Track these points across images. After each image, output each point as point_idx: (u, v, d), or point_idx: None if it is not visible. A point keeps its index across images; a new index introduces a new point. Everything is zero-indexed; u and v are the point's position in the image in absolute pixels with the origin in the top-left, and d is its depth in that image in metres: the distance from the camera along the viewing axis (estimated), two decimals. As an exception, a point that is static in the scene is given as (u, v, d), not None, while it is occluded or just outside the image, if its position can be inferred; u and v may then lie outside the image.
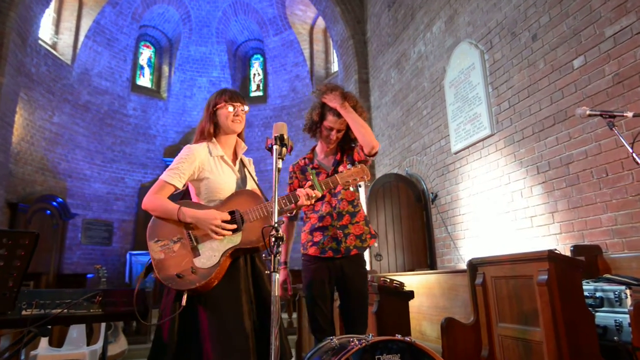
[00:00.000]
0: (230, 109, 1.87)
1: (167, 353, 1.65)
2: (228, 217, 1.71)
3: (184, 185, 1.87)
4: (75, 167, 9.03)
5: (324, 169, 2.34)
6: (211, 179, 1.82)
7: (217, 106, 1.88)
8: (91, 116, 9.50)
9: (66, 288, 1.89)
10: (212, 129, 1.88)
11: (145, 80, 11.22)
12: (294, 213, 2.07)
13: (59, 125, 8.69)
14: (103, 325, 3.99)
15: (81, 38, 9.29)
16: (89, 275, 8.14)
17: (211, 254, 1.69)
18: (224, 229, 1.69)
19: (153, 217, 1.76)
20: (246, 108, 1.93)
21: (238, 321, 1.67)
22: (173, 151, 10.32)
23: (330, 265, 2.23)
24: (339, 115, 2.25)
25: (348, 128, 2.30)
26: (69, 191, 8.83)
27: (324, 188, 1.87)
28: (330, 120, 2.29)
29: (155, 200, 1.74)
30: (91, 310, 1.88)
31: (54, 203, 8.10)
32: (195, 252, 1.69)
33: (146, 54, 11.40)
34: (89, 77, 9.49)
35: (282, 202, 1.78)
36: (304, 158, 2.44)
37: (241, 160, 1.99)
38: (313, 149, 2.46)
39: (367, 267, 2.54)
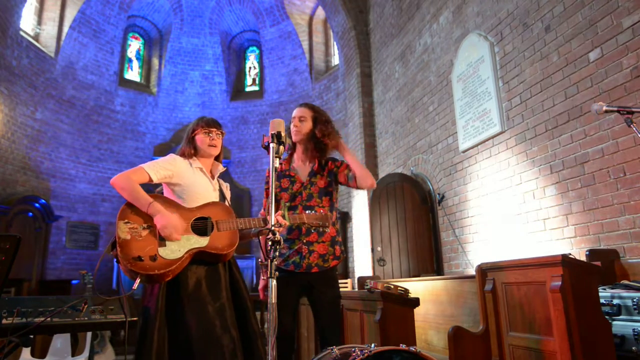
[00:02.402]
0: (206, 134, 2.18)
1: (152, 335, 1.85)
2: (183, 226, 1.93)
3: (158, 190, 2.17)
4: (60, 167, 9.02)
5: (299, 178, 2.42)
6: (189, 185, 2.09)
7: (195, 132, 2.19)
8: (76, 112, 9.49)
9: (49, 295, 1.90)
10: (192, 151, 2.19)
11: (133, 74, 11.21)
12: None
13: (42, 122, 8.69)
14: (89, 334, 3.99)
15: (65, 29, 9.28)
16: (73, 282, 8.12)
17: (176, 248, 1.88)
18: (171, 236, 1.88)
19: (127, 202, 1.94)
20: (222, 132, 2.25)
21: (222, 314, 1.90)
22: (163, 149, 10.31)
23: (293, 278, 2.32)
24: (301, 107, 2.48)
25: (316, 137, 2.41)
26: (53, 192, 8.82)
27: (291, 220, 2.09)
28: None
29: (128, 182, 1.94)
30: (76, 319, 1.88)
31: (37, 205, 8.08)
32: (162, 242, 1.87)
33: (135, 45, 11.39)
34: (73, 70, 9.48)
35: (253, 223, 2.01)
36: (280, 163, 2.51)
37: (219, 182, 2.29)
38: (292, 154, 2.54)
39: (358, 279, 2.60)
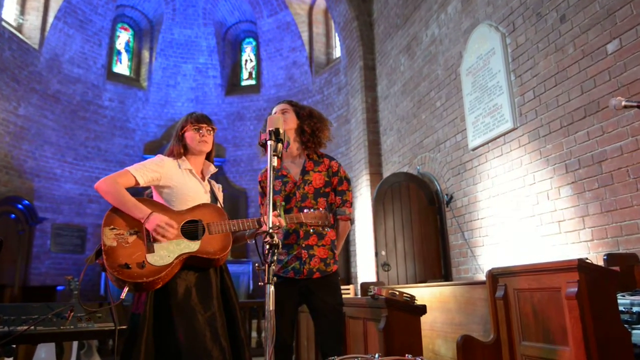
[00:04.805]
0: (196, 131, 2.18)
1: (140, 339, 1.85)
2: (174, 224, 1.93)
3: (147, 193, 2.19)
4: (44, 166, 9.03)
5: (292, 177, 2.43)
6: (179, 187, 2.09)
7: (184, 129, 2.20)
8: (62, 108, 9.49)
9: (33, 302, 1.90)
10: (181, 150, 2.19)
11: (122, 67, 11.21)
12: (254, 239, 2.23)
13: (25, 118, 8.69)
14: (75, 343, 3.99)
15: (50, 19, 9.28)
16: (59, 288, 8.13)
17: (165, 254, 1.87)
18: (165, 233, 1.89)
19: (113, 207, 1.94)
20: (213, 128, 2.25)
21: (212, 324, 1.90)
22: (154, 147, 10.31)
23: (293, 285, 2.32)
24: (279, 104, 2.58)
25: (307, 133, 2.47)
26: (37, 192, 8.83)
27: (288, 221, 2.11)
28: None
29: (114, 185, 1.94)
30: (61, 327, 1.88)
31: (20, 206, 8.09)
32: (150, 248, 1.87)
33: (124, 37, 11.39)
34: (59, 63, 9.48)
35: (247, 224, 2.02)
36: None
37: (210, 183, 2.30)
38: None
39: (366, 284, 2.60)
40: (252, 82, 11.78)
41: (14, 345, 1.83)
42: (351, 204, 2.51)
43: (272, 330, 1.37)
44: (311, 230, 2.33)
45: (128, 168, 2.03)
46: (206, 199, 2.15)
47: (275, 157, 1.62)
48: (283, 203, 2.40)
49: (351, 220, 2.54)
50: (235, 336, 2.00)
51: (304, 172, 2.42)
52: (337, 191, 2.47)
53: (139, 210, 1.91)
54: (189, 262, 1.94)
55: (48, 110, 9.22)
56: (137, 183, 2.01)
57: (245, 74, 11.96)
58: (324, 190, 2.42)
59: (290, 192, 2.39)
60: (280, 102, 2.58)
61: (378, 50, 7.51)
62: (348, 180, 2.52)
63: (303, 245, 2.32)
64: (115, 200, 1.92)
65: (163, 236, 1.88)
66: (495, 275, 2.64)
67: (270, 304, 1.38)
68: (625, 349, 2.07)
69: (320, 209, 2.35)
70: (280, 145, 1.65)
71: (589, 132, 3.40)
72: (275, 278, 1.44)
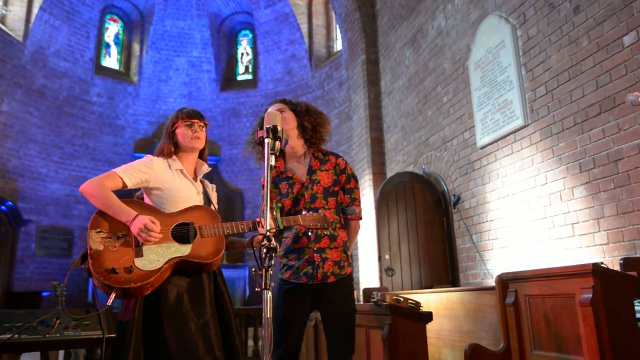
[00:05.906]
0: (188, 127, 2.17)
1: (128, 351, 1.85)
2: (158, 223, 1.91)
3: (137, 195, 2.19)
4: (29, 165, 9.03)
5: (298, 178, 2.43)
6: (169, 189, 2.09)
7: (175, 125, 2.19)
8: (47, 104, 9.50)
9: (17, 309, 1.89)
10: (172, 148, 2.18)
11: (111, 60, 11.22)
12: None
13: (8, 115, 8.69)
14: (61, 352, 3.99)
15: (35, 10, 9.28)
16: (44, 294, 8.14)
17: (155, 258, 1.87)
18: (149, 234, 1.87)
19: (99, 210, 1.93)
20: (205, 124, 2.25)
21: (205, 332, 1.90)
22: (145, 145, 10.31)
23: (306, 291, 2.32)
24: (274, 103, 2.58)
25: (308, 131, 2.47)
26: (21, 193, 8.83)
27: (285, 224, 2.09)
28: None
29: (100, 189, 1.94)
30: (47, 336, 1.88)
31: (3, 207, 8.09)
32: (139, 252, 1.87)
33: (113, 29, 11.39)
34: (44, 56, 9.48)
35: (241, 227, 2.01)
36: (275, 166, 2.51)
37: (203, 183, 2.30)
38: (282, 155, 2.55)
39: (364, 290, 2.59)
40: (249, 76, 11.78)
41: (-3, 355, 1.83)
42: (360, 202, 2.52)
43: (270, 338, 1.37)
44: (322, 233, 2.32)
45: (115, 170, 2.02)
46: (198, 200, 2.14)
47: (273, 156, 1.62)
48: (280, 205, 2.40)
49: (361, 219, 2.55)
50: (229, 345, 1.99)
51: (311, 171, 2.42)
52: (346, 189, 2.47)
53: (124, 213, 1.90)
54: (180, 267, 1.94)
55: (33, 106, 9.22)
56: (124, 185, 2.00)
57: (241, 68, 11.96)
58: (333, 189, 2.42)
59: (298, 194, 2.38)
60: (273, 102, 2.57)
61: (381, 43, 7.51)
62: (355, 178, 2.52)
63: (315, 248, 2.30)
64: (101, 203, 1.92)
65: (147, 238, 1.86)
66: (505, 281, 2.64)
67: (268, 311, 1.38)
68: (642, 359, 2.07)
69: (331, 208, 2.37)
70: (278, 143, 1.64)
71: (604, 129, 3.40)
72: (272, 284, 1.44)
